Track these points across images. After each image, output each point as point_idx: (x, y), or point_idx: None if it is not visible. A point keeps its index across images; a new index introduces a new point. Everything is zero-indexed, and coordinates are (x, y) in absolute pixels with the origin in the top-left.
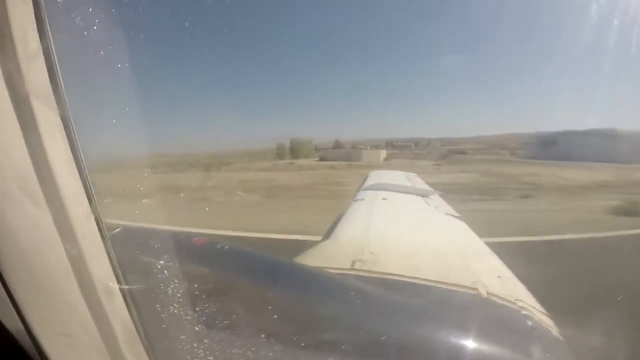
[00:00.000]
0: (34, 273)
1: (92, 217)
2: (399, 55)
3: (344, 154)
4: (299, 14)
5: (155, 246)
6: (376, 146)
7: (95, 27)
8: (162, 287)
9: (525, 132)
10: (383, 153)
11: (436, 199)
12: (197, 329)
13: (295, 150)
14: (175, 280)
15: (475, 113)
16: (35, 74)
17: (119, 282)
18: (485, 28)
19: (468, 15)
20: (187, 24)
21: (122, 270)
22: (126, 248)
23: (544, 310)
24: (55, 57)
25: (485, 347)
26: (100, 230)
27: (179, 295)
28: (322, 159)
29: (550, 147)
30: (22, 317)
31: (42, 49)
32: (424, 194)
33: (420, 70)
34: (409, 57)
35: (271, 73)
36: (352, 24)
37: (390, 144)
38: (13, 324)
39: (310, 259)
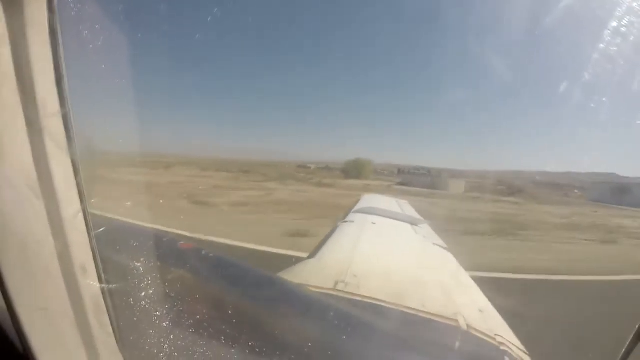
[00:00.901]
0: (23, 255)
1: (81, 212)
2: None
3: (428, 181)
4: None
5: (140, 244)
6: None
7: (104, 44)
8: (136, 283)
9: (531, 170)
10: (463, 183)
11: (425, 229)
12: (165, 326)
13: (358, 171)
14: (151, 279)
15: (480, 147)
16: (44, 84)
17: (98, 271)
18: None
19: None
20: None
21: (103, 262)
22: (112, 243)
23: (522, 348)
24: (64, 68)
25: None
26: (87, 224)
27: (150, 292)
28: (402, 184)
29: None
30: (4, 292)
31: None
32: (413, 222)
33: (431, 99)
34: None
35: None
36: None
37: (402, 171)
38: None
39: (294, 276)
